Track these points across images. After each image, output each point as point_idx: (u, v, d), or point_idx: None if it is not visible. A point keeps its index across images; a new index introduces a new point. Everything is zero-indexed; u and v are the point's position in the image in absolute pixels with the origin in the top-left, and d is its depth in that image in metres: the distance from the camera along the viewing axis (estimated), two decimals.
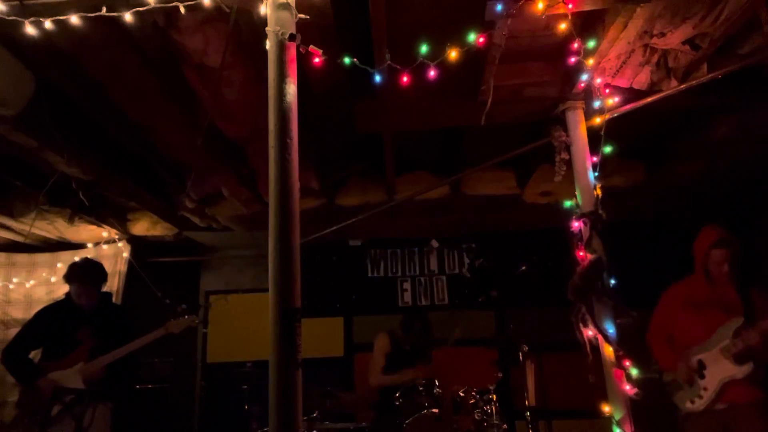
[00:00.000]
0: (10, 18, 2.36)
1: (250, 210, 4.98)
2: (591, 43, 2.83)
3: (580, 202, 3.19)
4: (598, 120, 3.04)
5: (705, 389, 3.23)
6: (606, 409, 2.93)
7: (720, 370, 3.19)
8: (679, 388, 3.37)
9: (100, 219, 5.14)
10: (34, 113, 3.16)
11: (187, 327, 3.86)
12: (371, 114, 3.59)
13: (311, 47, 2.18)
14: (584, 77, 3.01)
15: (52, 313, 3.77)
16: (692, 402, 3.29)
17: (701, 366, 3.26)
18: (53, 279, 5.70)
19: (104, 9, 2.32)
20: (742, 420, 3.15)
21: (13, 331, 5.58)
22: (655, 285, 3.70)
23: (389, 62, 2.56)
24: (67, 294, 3.80)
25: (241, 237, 5.79)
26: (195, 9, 2.32)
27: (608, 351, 2.91)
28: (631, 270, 3.99)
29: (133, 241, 5.62)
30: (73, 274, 3.71)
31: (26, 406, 3.45)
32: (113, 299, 4.69)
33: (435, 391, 3.85)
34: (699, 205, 5.14)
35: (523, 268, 4.30)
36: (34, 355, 3.77)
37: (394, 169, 4.48)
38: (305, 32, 2.15)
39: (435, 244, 4.25)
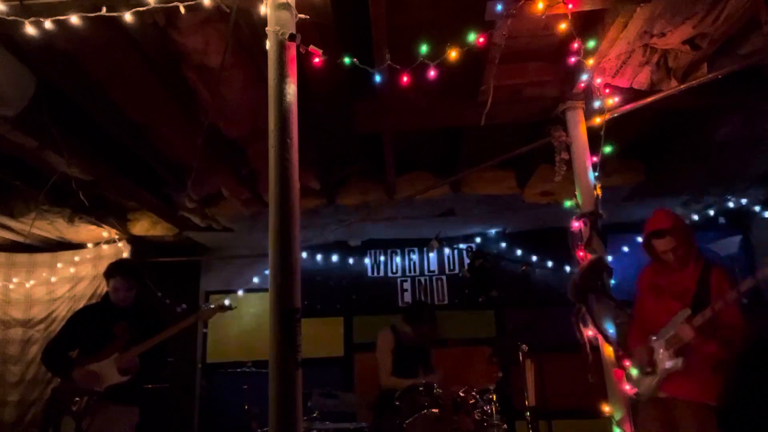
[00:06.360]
0: (10, 18, 2.36)
1: (250, 210, 4.98)
2: (591, 43, 2.83)
3: (580, 202, 3.19)
4: (598, 120, 3.04)
5: (650, 376, 3.15)
6: (606, 409, 2.93)
7: (663, 359, 3.13)
8: (634, 375, 3.27)
9: (100, 219, 5.14)
10: (34, 113, 3.16)
11: (216, 315, 3.96)
12: (371, 114, 3.59)
13: (311, 47, 2.18)
14: (584, 77, 3.01)
15: (89, 312, 3.87)
16: (640, 389, 3.21)
17: (652, 353, 3.17)
18: (53, 279, 5.70)
19: (104, 9, 2.32)
20: (680, 416, 3.08)
21: (13, 331, 5.64)
22: None
23: (389, 62, 2.57)
24: (105, 294, 3.88)
25: (241, 237, 5.79)
26: (195, 9, 2.32)
27: (608, 351, 2.91)
28: None
29: (133, 241, 5.62)
30: (115, 268, 3.82)
31: (61, 398, 3.48)
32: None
33: (435, 391, 3.85)
34: None
35: (524, 268, 4.30)
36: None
37: (394, 169, 4.47)
38: (305, 32, 2.15)
39: (435, 244, 4.23)
